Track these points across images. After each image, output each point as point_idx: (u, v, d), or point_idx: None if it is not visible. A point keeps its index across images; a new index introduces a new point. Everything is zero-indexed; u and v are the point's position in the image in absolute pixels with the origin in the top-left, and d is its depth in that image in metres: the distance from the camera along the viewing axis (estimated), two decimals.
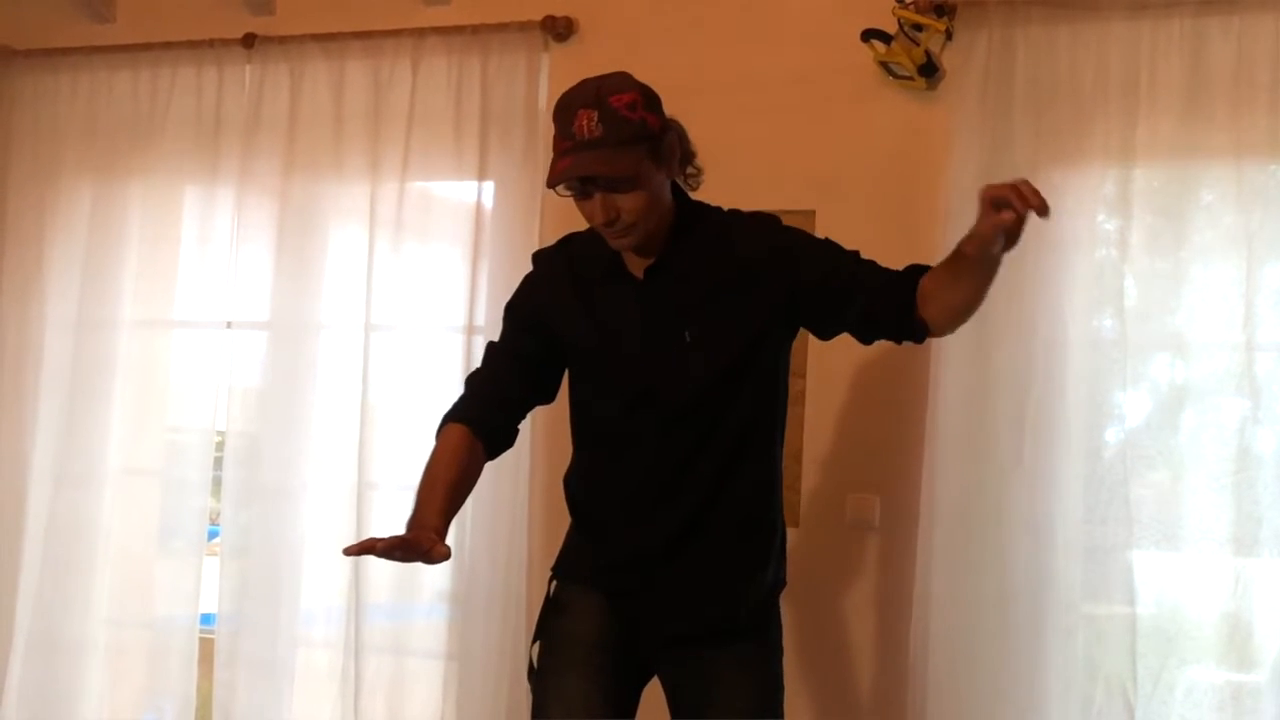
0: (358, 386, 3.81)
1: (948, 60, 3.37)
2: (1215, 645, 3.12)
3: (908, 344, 2.51)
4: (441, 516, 2.35)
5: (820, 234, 2.62)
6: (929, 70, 3.36)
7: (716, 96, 3.39)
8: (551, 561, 2.69)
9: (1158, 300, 3.18)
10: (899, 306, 2.40)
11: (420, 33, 3.81)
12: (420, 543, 2.25)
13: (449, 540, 2.31)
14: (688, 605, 2.53)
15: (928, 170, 3.34)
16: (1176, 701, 3.11)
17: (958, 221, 3.24)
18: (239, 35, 3.97)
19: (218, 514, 4.05)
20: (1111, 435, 3.21)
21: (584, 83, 2.41)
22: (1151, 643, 3.12)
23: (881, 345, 2.66)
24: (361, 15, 3.89)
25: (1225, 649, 3.10)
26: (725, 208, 2.59)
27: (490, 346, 2.65)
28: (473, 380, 2.62)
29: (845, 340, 2.66)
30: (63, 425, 4.09)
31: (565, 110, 2.38)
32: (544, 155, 3.57)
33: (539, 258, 2.69)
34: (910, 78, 3.38)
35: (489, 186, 3.76)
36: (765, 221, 2.56)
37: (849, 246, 2.50)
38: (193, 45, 4.03)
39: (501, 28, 3.73)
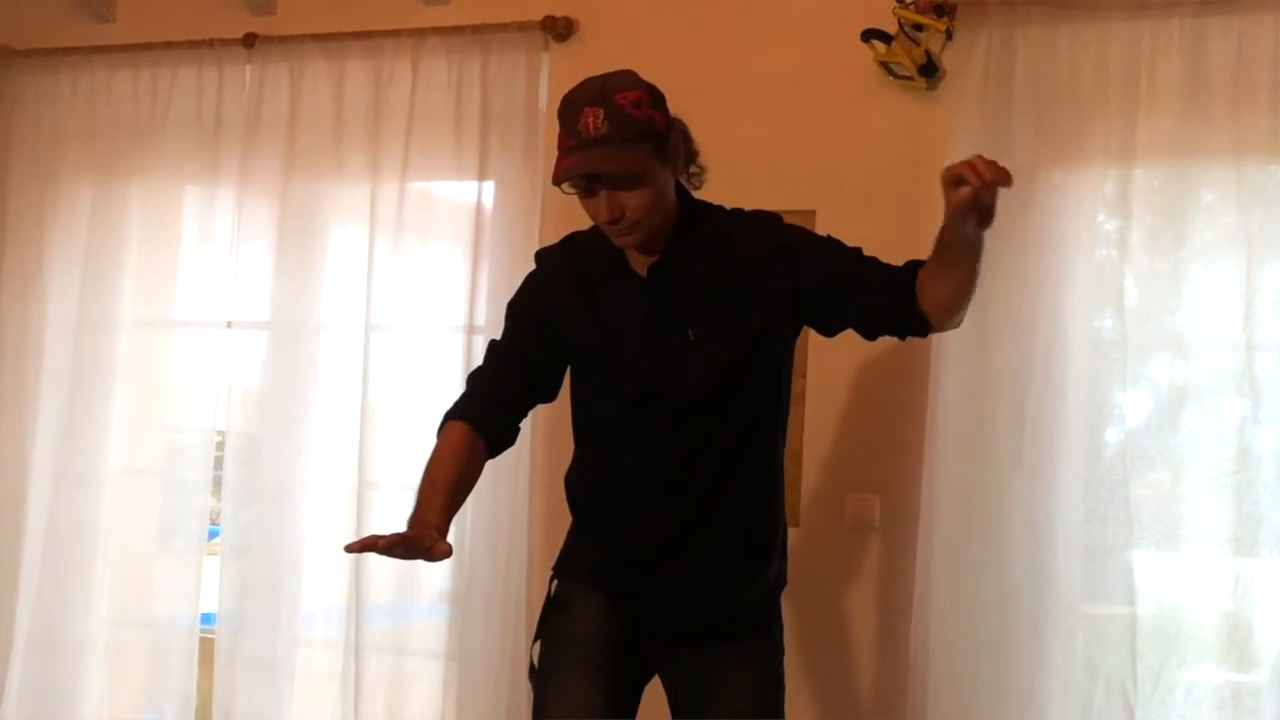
0: (358, 386, 3.81)
1: (948, 60, 3.37)
2: (1215, 645, 3.12)
3: (912, 339, 2.54)
4: (443, 514, 2.35)
5: (820, 234, 2.63)
6: (929, 70, 3.36)
7: (716, 96, 3.39)
8: (552, 561, 2.70)
9: (1158, 300, 3.18)
10: (900, 301, 2.41)
11: (420, 33, 3.81)
12: (421, 540, 2.25)
13: (449, 538, 2.31)
14: (689, 603, 2.53)
15: (928, 170, 3.30)
16: (1176, 701, 3.11)
17: None
18: (239, 35, 3.97)
19: (218, 514, 4.05)
20: (1111, 435, 3.21)
21: (589, 81, 2.41)
22: (1151, 643, 3.12)
23: (881, 344, 2.67)
24: (362, 15, 3.89)
25: (1225, 649, 3.10)
26: (727, 207, 2.60)
27: (492, 345, 2.65)
28: (474, 378, 2.62)
29: (845, 340, 2.67)
30: (63, 425, 4.09)
31: (570, 108, 2.39)
32: (544, 155, 3.62)
33: (542, 256, 2.69)
34: (910, 78, 3.38)
35: (489, 186, 3.76)
36: (768, 220, 2.56)
37: (848, 245, 2.51)
38: (193, 45, 4.03)
39: (501, 28, 3.73)
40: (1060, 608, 3.17)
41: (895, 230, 3.23)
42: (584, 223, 2.60)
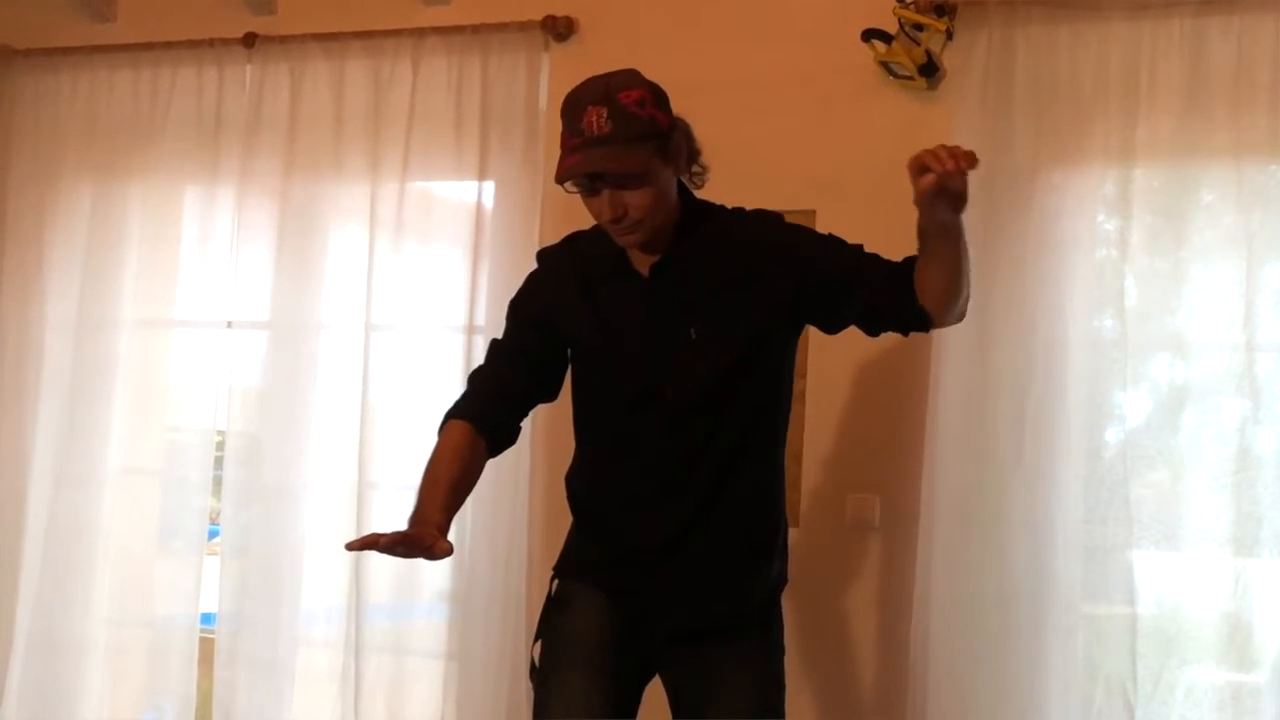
0: (358, 386, 3.81)
1: (948, 60, 3.37)
2: (1215, 645, 3.12)
3: (914, 335, 2.55)
4: (444, 512, 2.35)
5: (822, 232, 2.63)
6: (929, 70, 3.36)
7: (717, 96, 3.39)
8: (552, 561, 2.70)
9: (1158, 300, 3.18)
10: (901, 297, 2.42)
11: (420, 32, 3.81)
12: (422, 538, 2.25)
13: (449, 538, 2.31)
14: (690, 602, 2.53)
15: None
16: (1177, 701, 3.11)
17: None
18: (239, 35, 3.97)
19: (218, 514, 4.05)
20: (1112, 435, 3.21)
21: (592, 80, 2.42)
22: (1152, 643, 3.12)
23: (881, 344, 2.67)
24: (362, 15, 3.89)
25: (1225, 649, 3.10)
26: (729, 206, 2.60)
27: (494, 344, 2.66)
28: (476, 377, 2.63)
29: (845, 340, 2.67)
30: (63, 425, 4.09)
31: (574, 107, 2.39)
32: (545, 155, 3.62)
33: (544, 255, 2.70)
34: (911, 77, 3.38)
35: (489, 186, 3.76)
36: (769, 219, 2.57)
37: (850, 242, 2.52)
38: (193, 45, 4.03)
39: (502, 27, 3.73)
40: (1060, 608, 3.17)
41: (895, 230, 3.21)
42: (584, 223, 2.60)
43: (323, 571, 3.87)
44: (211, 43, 4.01)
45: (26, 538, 4.09)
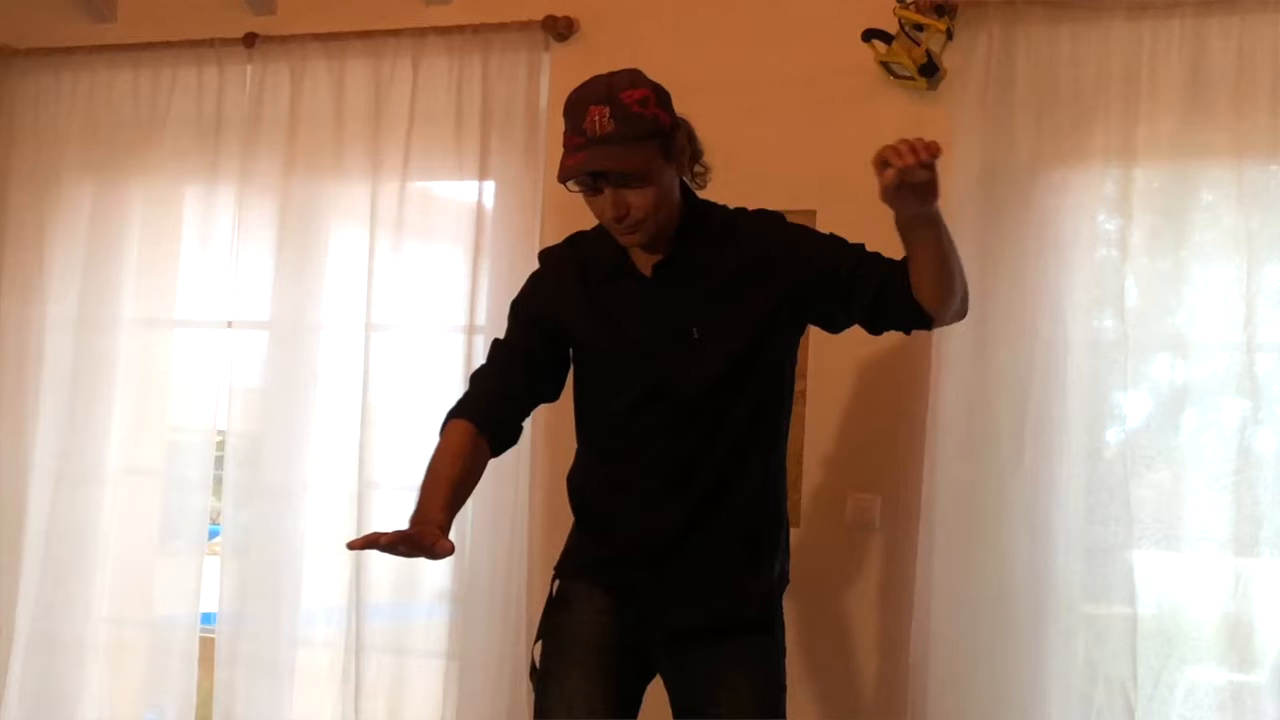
0: (358, 386, 3.80)
1: (948, 60, 3.37)
2: (1216, 645, 3.12)
3: (916, 333, 2.56)
4: (445, 512, 2.35)
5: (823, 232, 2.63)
6: (930, 70, 3.36)
7: (717, 96, 3.38)
8: (552, 561, 2.70)
9: (1158, 300, 3.18)
10: (902, 295, 2.42)
11: (421, 32, 3.81)
12: (424, 538, 2.25)
13: (450, 537, 2.31)
14: (692, 600, 2.53)
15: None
16: (1177, 702, 3.11)
17: (959, 221, 3.24)
18: (240, 35, 3.97)
19: (218, 513, 4.05)
20: (1112, 435, 3.21)
21: (595, 79, 2.42)
22: (1152, 643, 3.12)
23: (882, 343, 2.68)
24: (362, 15, 3.89)
25: (1226, 649, 3.10)
26: (730, 206, 2.60)
27: (496, 343, 2.66)
28: (478, 377, 2.63)
29: (846, 340, 2.67)
30: (63, 425, 4.09)
31: (576, 106, 2.39)
32: (545, 155, 3.62)
33: (546, 256, 2.70)
34: (911, 78, 3.38)
35: (490, 186, 3.76)
36: (771, 218, 2.57)
37: (851, 242, 2.52)
38: (193, 45, 4.03)
39: (502, 27, 3.73)
40: (1060, 608, 3.17)
41: (896, 230, 3.24)
42: (584, 223, 2.60)
43: (323, 571, 3.87)
44: (212, 42, 4.01)
45: (27, 537, 4.09)
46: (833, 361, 3.39)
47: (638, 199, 2.40)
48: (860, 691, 3.43)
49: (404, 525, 2.29)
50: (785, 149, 3.50)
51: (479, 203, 3.76)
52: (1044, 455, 3.20)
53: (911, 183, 2.21)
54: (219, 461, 3.99)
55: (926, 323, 2.46)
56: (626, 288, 2.54)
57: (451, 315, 3.76)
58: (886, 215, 3.29)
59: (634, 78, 2.42)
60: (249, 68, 3.99)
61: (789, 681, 2.62)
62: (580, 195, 2.46)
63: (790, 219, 2.60)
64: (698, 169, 2.57)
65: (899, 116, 3.40)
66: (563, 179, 2.41)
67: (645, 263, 2.52)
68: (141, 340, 4.11)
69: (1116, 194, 3.23)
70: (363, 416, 3.79)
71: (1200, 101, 3.14)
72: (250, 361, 3.98)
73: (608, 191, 2.40)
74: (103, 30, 4.23)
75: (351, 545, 2.27)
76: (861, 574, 3.43)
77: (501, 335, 2.66)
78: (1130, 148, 3.19)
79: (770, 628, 2.60)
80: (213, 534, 4.06)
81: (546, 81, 3.71)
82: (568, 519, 2.69)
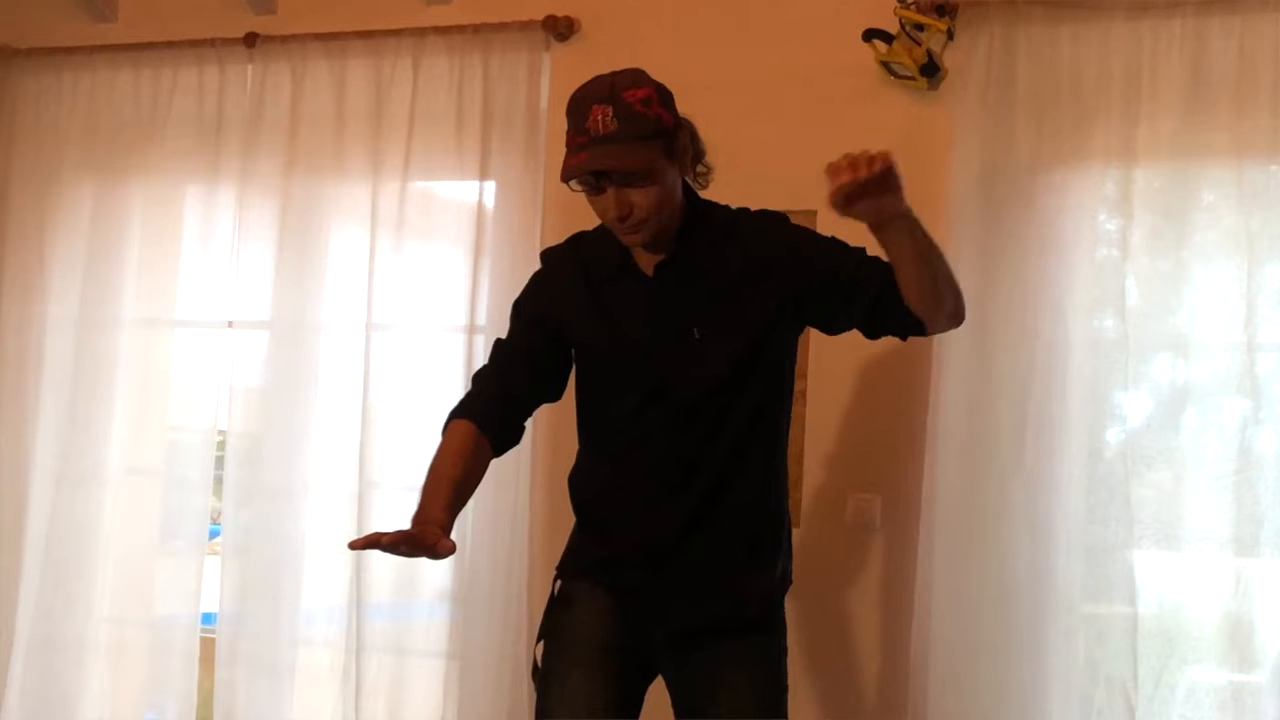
0: (359, 386, 3.80)
1: (949, 60, 3.37)
2: (1216, 645, 3.12)
3: (913, 339, 2.54)
4: (447, 512, 2.35)
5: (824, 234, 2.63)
6: (930, 70, 3.36)
7: (717, 96, 3.38)
8: (553, 561, 2.70)
9: (1159, 300, 3.18)
10: (895, 301, 2.42)
11: (422, 32, 3.81)
12: (425, 537, 2.25)
13: (451, 537, 2.31)
14: (693, 600, 2.53)
15: (929, 170, 3.34)
16: (1177, 702, 3.11)
17: (959, 221, 3.25)
18: (240, 34, 3.97)
19: (219, 513, 4.05)
20: (1112, 435, 3.21)
21: (598, 78, 2.42)
22: (1152, 643, 3.12)
23: (882, 344, 2.67)
24: (363, 14, 3.89)
25: (1226, 649, 3.10)
26: (733, 206, 2.60)
27: (498, 343, 2.66)
28: (479, 377, 2.63)
29: (846, 340, 2.67)
30: (64, 425, 4.09)
31: (579, 105, 2.39)
32: (546, 155, 3.62)
33: (548, 256, 2.70)
34: (912, 78, 3.38)
35: (490, 186, 3.76)
36: (773, 219, 2.57)
37: (852, 245, 2.51)
38: (194, 44, 4.03)
39: (503, 27, 3.73)
40: (1061, 608, 3.17)
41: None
42: (585, 223, 2.60)
43: (323, 571, 3.87)
44: (213, 42, 4.01)
45: (27, 537, 4.09)
46: (833, 361, 3.39)
47: (641, 198, 2.40)
48: (861, 691, 3.43)
49: (405, 525, 2.29)
50: (786, 149, 3.50)
51: (480, 203, 3.76)
52: (1044, 455, 3.20)
53: (862, 193, 2.19)
54: (219, 461, 3.99)
55: (920, 328, 2.46)
56: (629, 288, 2.54)
57: (452, 315, 3.76)
58: None
59: (637, 77, 2.42)
60: (250, 68, 3.99)
61: (790, 682, 2.61)
62: (582, 195, 2.46)
63: (792, 219, 2.60)
64: (700, 169, 2.57)
65: (900, 116, 3.41)
66: (565, 178, 2.41)
67: (647, 262, 2.52)
68: (142, 340, 4.11)
69: (1117, 194, 3.22)
70: (363, 416, 3.79)
71: (1201, 101, 3.14)
72: (251, 361, 3.98)
73: (610, 191, 2.40)
74: (104, 30, 4.23)
75: (353, 545, 2.27)
76: (862, 574, 3.43)
77: (502, 335, 2.66)
78: (1131, 148, 3.19)
79: (772, 628, 2.60)
80: (213, 534, 4.06)
81: (547, 81, 3.71)
82: (568, 519, 2.69)
